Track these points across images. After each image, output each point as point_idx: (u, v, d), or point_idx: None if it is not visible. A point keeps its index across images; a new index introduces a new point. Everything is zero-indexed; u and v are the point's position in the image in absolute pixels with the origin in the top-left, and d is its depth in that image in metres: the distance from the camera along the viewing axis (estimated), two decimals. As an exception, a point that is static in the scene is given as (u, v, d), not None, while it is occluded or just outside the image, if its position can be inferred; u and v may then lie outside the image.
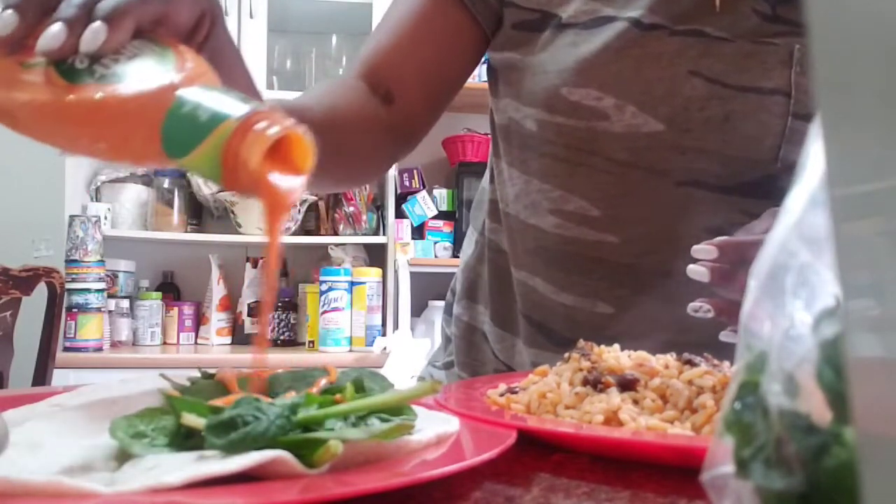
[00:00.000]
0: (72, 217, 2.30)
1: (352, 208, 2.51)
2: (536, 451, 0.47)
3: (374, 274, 2.44)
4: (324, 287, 2.38)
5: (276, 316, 2.48)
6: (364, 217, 2.52)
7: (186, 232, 2.53)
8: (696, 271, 0.59)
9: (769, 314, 0.24)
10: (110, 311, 2.38)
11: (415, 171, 2.59)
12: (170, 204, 2.51)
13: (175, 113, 0.45)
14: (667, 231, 0.75)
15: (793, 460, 0.22)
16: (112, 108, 0.45)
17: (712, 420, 0.47)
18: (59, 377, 1.83)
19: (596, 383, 0.52)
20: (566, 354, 0.59)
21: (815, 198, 0.23)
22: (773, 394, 0.23)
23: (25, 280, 1.68)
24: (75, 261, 2.27)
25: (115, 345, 2.39)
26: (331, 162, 0.79)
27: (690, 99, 0.73)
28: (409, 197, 2.55)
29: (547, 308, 0.81)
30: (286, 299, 2.51)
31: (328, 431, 0.38)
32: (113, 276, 2.46)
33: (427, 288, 2.48)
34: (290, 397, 0.42)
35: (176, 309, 2.52)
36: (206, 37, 0.53)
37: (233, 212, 2.47)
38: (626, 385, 0.52)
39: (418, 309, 2.47)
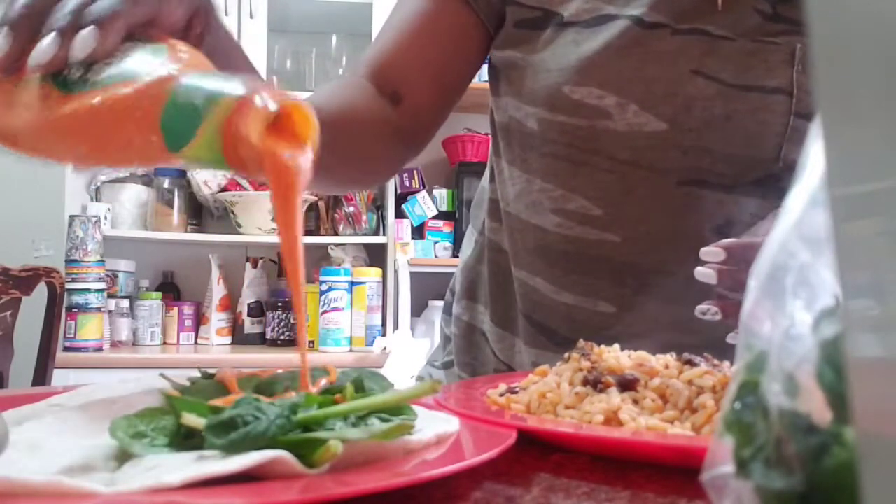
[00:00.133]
0: (72, 217, 2.30)
1: (352, 208, 2.51)
2: (536, 451, 0.47)
3: (374, 274, 2.44)
4: (324, 287, 2.38)
5: (275, 316, 2.48)
6: (364, 217, 2.52)
7: (186, 232, 2.53)
8: (704, 273, 0.59)
9: (769, 314, 0.24)
10: (110, 311, 2.38)
11: (415, 171, 2.59)
12: (170, 204, 2.51)
13: (172, 104, 0.44)
14: (669, 230, 0.75)
15: (793, 460, 0.22)
16: (110, 111, 0.45)
17: (712, 420, 0.47)
18: (59, 377, 1.83)
19: (596, 383, 0.52)
20: (566, 354, 0.59)
21: (815, 198, 0.23)
22: (773, 394, 0.23)
23: (25, 280, 1.68)
24: (75, 261, 2.27)
25: (115, 345, 2.39)
26: (341, 163, 0.79)
27: (692, 98, 0.73)
28: (409, 197, 2.55)
29: (548, 308, 0.81)
30: (286, 299, 2.51)
31: (328, 431, 0.38)
32: (113, 276, 2.46)
33: (427, 288, 2.48)
34: (290, 397, 0.42)
35: (176, 309, 2.52)
36: (201, 32, 0.53)
37: (233, 212, 2.47)
38: (626, 385, 0.52)
39: (418, 309, 2.47)
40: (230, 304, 2.55)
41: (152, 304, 2.47)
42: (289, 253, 0.47)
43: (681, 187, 0.75)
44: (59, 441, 0.40)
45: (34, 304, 1.71)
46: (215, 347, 2.47)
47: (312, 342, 2.43)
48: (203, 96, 0.44)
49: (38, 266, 1.71)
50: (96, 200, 2.51)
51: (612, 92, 0.74)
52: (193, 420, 0.39)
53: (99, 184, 2.52)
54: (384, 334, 2.41)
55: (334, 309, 2.37)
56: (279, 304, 2.48)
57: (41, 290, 1.71)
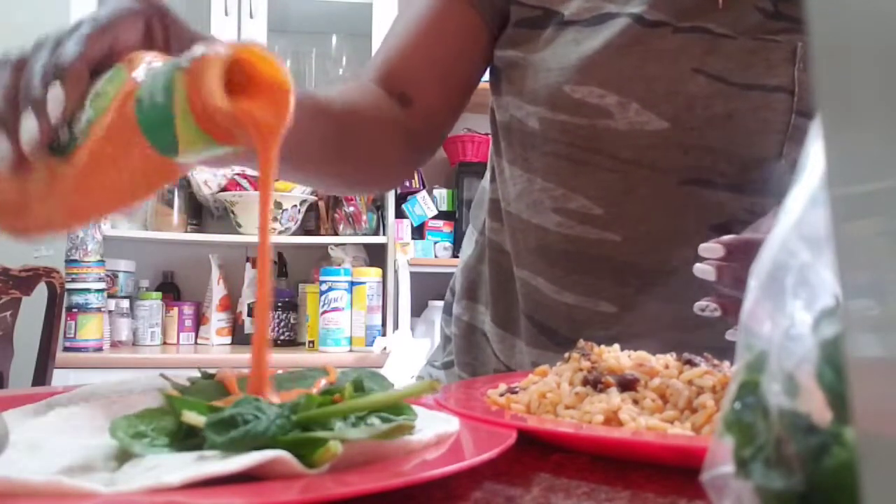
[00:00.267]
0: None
1: (352, 208, 2.51)
2: (536, 451, 0.47)
3: (374, 274, 2.44)
4: (324, 287, 2.38)
5: (276, 316, 2.48)
6: (364, 217, 2.52)
7: (186, 232, 2.53)
8: (703, 270, 0.59)
9: (769, 314, 0.24)
10: (110, 311, 2.38)
11: (415, 171, 2.59)
12: (170, 204, 2.51)
13: (141, 114, 0.44)
14: (670, 229, 0.75)
15: (793, 460, 0.22)
16: (102, 155, 0.45)
17: (712, 420, 0.47)
18: (59, 377, 1.83)
19: (596, 383, 0.52)
20: (566, 354, 0.59)
21: (815, 197, 0.23)
22: (773, 394, 0.23)
23: (25, 280, 1.68)
24: (75, 261, 2.27)
25: (115, 345, 2.39)
26: (352, 162, 0.78)
27: (694, 97, 0.73)
28: (408, 197, 2.55)
29: (549, 308, 0.81)
30: (286, 299, 2.51)
31: (328, 431, 0.38)
32: (113, 276, 2.46)
33: (427, 288, 2.48)
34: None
35: (176, 309, 2.52)
36: (166, 38, 0.53)
37: (233, 212, 2.47)
38: (626, 385, 0.52)
39: (418, 309, 2.46)
40: (230, 304, 2.55)
41: (152, 304, 2.47)
42: (262, 204, 0.46)
43: (682, 186, 0.74)
44: (59, 441, 0.40)
45: (34, 304, 1.71)
46: (215, 347, 2.47)
47: (312, 342, 2.43)
48: (160, 87, 0.43)
49: (38, 266, 1.71)
50: (96, 200, 2.51)
51: (613, 91, 0.74)
52: (194, 418, 0.39)
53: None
54: (384, 334, 2.41)
55: (334, 309, 2.37)
56: (279, 304, 2.48)
57: (41, 290, 1.71)
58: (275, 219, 2.42)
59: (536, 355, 0.81)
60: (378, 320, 2.42)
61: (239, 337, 2.53)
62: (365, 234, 2.53)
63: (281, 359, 2.27)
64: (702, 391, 0.50)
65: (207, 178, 2.51)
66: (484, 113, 0.89)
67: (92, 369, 2.16)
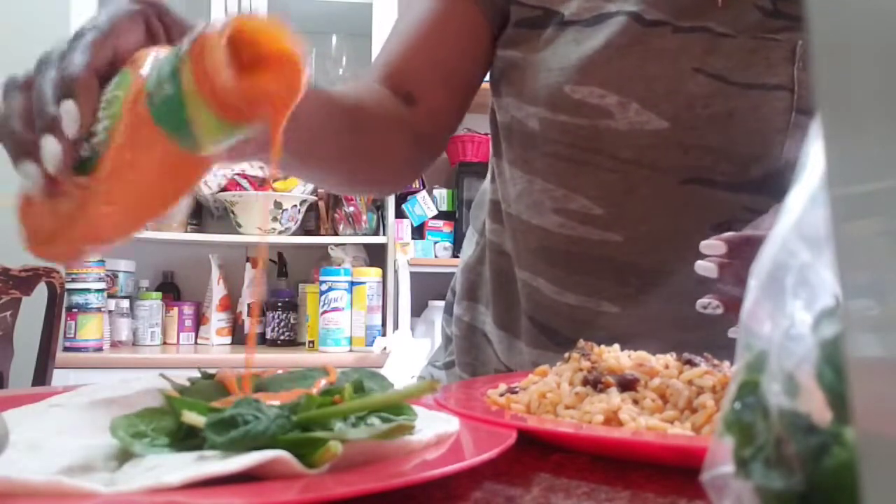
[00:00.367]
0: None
1: (352, 208, 2.51)
2: (536, 451, 0.47)
3: (374, 274, 2.44)
4: (324, 287, 2.38)
5: (276, 316, 2.48)
6: (364, 217, 2.52)
7: (186, 232, 2.53)
8: (705, 267, 0.58)
9: (769, 314, 0.24)
10: (110, 311, 2.38)
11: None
12: (170, 204, 2.51)
13: (155, 111, 0.43)
14: (671, 229, 0.75)
15: (793, 460, 0.22)
16: (122, 161, 0.44)
17: (712, 420, 0.47)
18: (59, 377, 1.83)
19: (596, 383, 0.52)
20: (566, 354, 0.59)
21: (815, 197, 0.23)
22: (773, 394, 0.23)
23: (25, 280, 1.68)
24: None
25: (115, 345, 2.39)
26: (362, 156, 0.78)
27: (694, 96, 0.73)
28: (408, 197, 2.55)
29: (550, 308, 0.81)
30: (286, 299, 2.51)
31: (328, 431, 0.38)
32: (113, 276, 2.46)
33: (427, 288, 2.48)
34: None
35: (176, 309, 2.52)
36: (168, 34, 0.52)
37: (233, 212, 2.47)
38: (626, 385, 0.52)
39: (418, 309, 2.46)
40: (230, 304, 2.55)
41: (152, 304, 2.47)
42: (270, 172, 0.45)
43: (683, 186, 0.74)
44: (59, 441, 0.40)
45: (34, 304, 1.71)
46: (215, 347, 2.47)
47: (312, 342, 2.43)
48: (166, 76, 0.42)
49: (38, 266, 1.71)
50: (96, 200, 2.51)
51: (614, 91, 0.74)
52: (194, 418, 0.39)
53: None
54: (384, 334, 2.41)
55: (334, 309, 2.37)
56: (279, 304, 2.48)
57: (41, 290, 1.71)
58: (274, 219, 2.42)
59: (537, 356, 0.81)
60: (378, 320, 2.42)
61: (239, 337, 2.53)
62: (365, 234, 2.53)
63: (281, 359, 2.27)
64: (702, 391, 0.50)
65: (207, 178, 2.51)
66: (484, 113, 0.89)
67: (92, 369, 2.16)
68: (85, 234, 0.46)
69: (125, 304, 2.44)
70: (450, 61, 0.83)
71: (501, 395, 0.56)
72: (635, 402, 0.50)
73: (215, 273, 2.53)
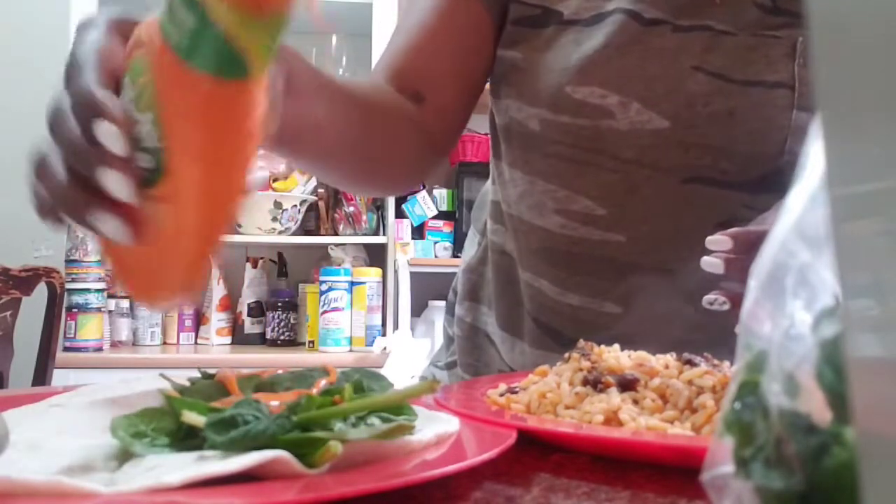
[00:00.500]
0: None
1: (352, 208, 2.51)
2: (536, 451, 0.47)
3: (374, 274, 2.44)
4: (324, 287, 2.38)
5: (276, 316, 2.48)
6: (364, 217, 2.52)
7: (186, 232, 2.53)
8: (711, 263, 0.58)
9: (769, 314, 0.24)
10: (110, 311, 2.38)
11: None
12: (170, 204, 2.51)
13: (184, 52, 0.38)
14: (674, 229, 0.75)
15: (793, 460, 0.22)
16: (184, 141, 0.40)
17: (712, 420, 0.47)
18: (59, 377, 1.83)
19: (596, 383, 0.52)
20: (566, 354, 0.59)
21: (815, 197, 0.23)
22: (773, 394, 0.23)
23: (25, 280, 1.68)
24: (75, 261, 2.27)
25: (115, 345, 2.39)
26: (373, 151, 0.77)
27: (694, 95, 0.73)
28: (408, 197, 2.55)
29: (553, 310, 0.80)
30: (286, 299, 2.51)
31: (328, 431, 0.38)
32: (113, 276, 2.46)
33: (427, 288, 2.48)
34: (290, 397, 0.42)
35: (176, 309, 2.52)
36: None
37: (233, 212, 2.47)
38: (626, 385, 0.52)
39: (418, 309, 2.46)
40: (230, 304, 2.55)
41: (152, 304, 2.47)
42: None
43: (685, 185, 0.74)
44: (59, 441, 0.40)
45: (34, 304, 1.71)
46: (215, 347, 2.47)
47: (312, 342, 2.43)
48: (180, 7, 0.38)
49: (38, 266, 1.71)
50: (96, 200, 2.51)
51: (614, 91, 0.74)
52: (194, 418, 0.39)
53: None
54: (384, 334, 2.41)
55: (334, 309, 2.37)
56: (279, 304, 2.48)
57: (41, 290, 1.71)
58: (274, 219, 2.42)
59: (541, 357, 0.81)
60: (378, 320, 2.42)
61: (239, 337, 2.53)
62: (365, 234, 2.53)
63: (281, 359, 2.27)
64: (702, 391, 0.50)
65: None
66: (484, 113, 0.89)
67: (92, 369, 2.16)
68: (186, 251, 0.42)
69: (125, 303, 2.44)
70: (456, 58, 0.82)
71: (501, 395, 0.56)
72: (635, 402, 0.50)
73: (215, 273, 2.53)
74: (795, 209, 0.24)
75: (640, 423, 0.48)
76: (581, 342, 0.60)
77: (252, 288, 2.54)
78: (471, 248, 0.93)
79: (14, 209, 2.49)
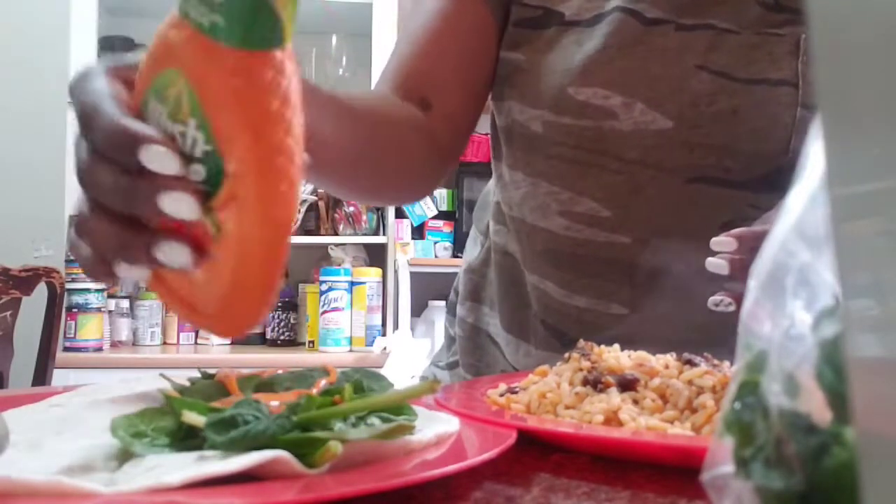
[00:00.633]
0: (72, 217, 2.29)
1: (352, 208, 2.51)
2: (536, 451, 0.47)
3: (374, 274, 2.44)
4: (324, 287, 2.38)
5: (276, 316, 2.48)
6: (364, 217, 2.52)
7: (186, 232, 2.53)
8: (716, 264, 0.58)
9: (769, 314, 0.24)
10: (110, 311, 2.38)
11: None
12: (170, 204, 2.51)
13: (219, 31, 0.37)
14: (679, 229, 0.75)
15: (793, 460, 0.22)
16: (233, 134, 0.38)
17: (712, 420, 0.47)
18: (59, 377, 1.83)
19: (596, 383, 0.52)
20: (566, 354, 0.59)
21: (815, 197, 0.23)
22: (773, 394, 0.23)
23: (25, 280, 1.68)
24: (75, 261, 2.27)
25: (115, 345, 2.39)
26: (381, 164, 0.76)
27: (698, 94, 0.73)
28: (409, 197, 2.55)
29: (559, 312, 0.80)
30: (286, 299, 2.51)
31: (328, 431, 0.38)
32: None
33: (427, 288, 2.48)
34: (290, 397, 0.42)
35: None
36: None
37: (233, 212, 2.47)
38: (626, 385, 0.52)
39: (418, 309, 2.46)
40: (230, 304, 2.55)
41: (152, 303, 2.47)
42: None
43: (689, 185, 0.74)
44: (59, 441, 0.40)
45: (34, 304, 1.71)
46: (215, 347, 2.47)
47: (312, 342, 2.43)
48: None
49: (38, 266, 1.71)
50: (96, 200, 2.51)
51: (618, 91, 0.73)
52: (194, 418, 0.39)
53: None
54: (384, 334, 2.41)
55: (334, 309, 2.37)
56: (279, 304, 2.48)
57: (41, 290, 1.71)
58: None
59: (547, 358, 0.81)
60: (378, 320, 2.42)
61: (238, 337, 2.53)
62: (365, 234, 2.53)
63: (281, 359, 2.27)
64: (702, 391, 0.50)
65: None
66: (485, 113, 0.88)
67: (92, 369, 2.16)
68: (256, 258, 0.40)
69: (125, 304, 2.44)
70: (462, 61, 0.81)
71: (501, 395, 0.56)
72: (635, 402, 0.50)
73: (215, 273, 2.53)
74: (795, 209, 0.24)
75: (640, 423, 0.48)
76: (581, 342, 0.60)
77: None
78: (473, 248, 0.93)
79: (14, 209, 2.49)
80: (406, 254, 2.44)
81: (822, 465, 0.21)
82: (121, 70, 0.43)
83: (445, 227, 2.57)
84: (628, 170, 0.75)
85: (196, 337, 2.54)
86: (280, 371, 0.50)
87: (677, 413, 0.49)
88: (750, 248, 0.57)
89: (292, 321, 2.51)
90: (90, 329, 2.27)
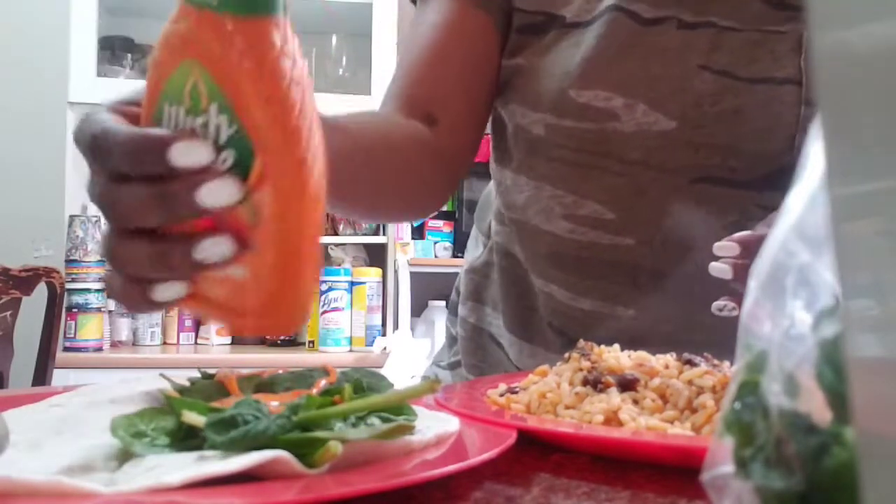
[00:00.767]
0: (72, 217, 2.30)
1: (352, 208, 2.51)
2: (536, 451, 0.47)
3: (374, 274, 2.44)
4: (324, 287, 2.38)
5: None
6: (364, 217, 2.52)
7: (186, 232, 2.53)
8: (719, 269, 0.58)
9: (769, 314, 0.24)
10: (110, 311, 2.38)
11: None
12: (170, 204, 2.51)
13: (236, 5, 0.37)
14: (683, 230, 0.74)
15: (793, 460, 0.22)
16: (258, 114, 0.38)
17: (712, 420, 0.47)
18: (59, 377, 1.83)
19: (596, 383, 0.52)
20: (566, 354, 0.59)
21: (815, 197, 0.23)
22: (773, 394, 0.23)
23: (25, 280, 1.68)
24: (75, 261, 2.27)
25: (115, 345, 2.39)
26: (391, 188, 0.76)
27: (701, 94, 0.72)
28: (409, 197, 2.54)
29: (566, 314, 0.80)
30: (286, 299, 2.51)
31: (328, 431, 0.38)
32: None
33: (427, 288, 2.48)
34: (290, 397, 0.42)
35: (176, 309, 2.52)
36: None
37: (233, 212, 2.47)
38: (626, 385, 0.52)
39: (418, 309, 2.46)
40: (230, 304, 2.55)
41: (152, 304, 2.47)
42: None
43: (693, 185, 0.74)
44: (59, 441, 0.40)
45: (34, 304, 1.71)
46: (215, 347, 2.47)
47: (312, 342, 2.43)
48: None
49: (38, 266, 1.71)
50: (96, 200, 2.50)
51: (619, 93, 0.73)
52: (194, 418, 0.39)
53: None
54: (384, 334, 2.41)
55: (334, 309, 2.37)
56: (279, 304, 2.48)
57: (41, 290, 1.71)
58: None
59: (555, 360, 0.80)
60: (378, 320, 2.42)
61: (239, 337, 2.53)
62: (365, 234, 2.53)
63: (281, 359, 2.27)
64: (702, 391, 0.50)
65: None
66: (486, 114, 0.88)
67: (92, 369, 2.16)
68: (293, 247, 0.39)
69: (125, 304, 2.44)
70: (466, 72, 0.81)
71: (501, 395, 0.56)
72: (635, 402, 0.50)
73: (215, 273, 2.53)
74: (795, 209, 0.24)
75: (640, 423, 0.48)
76: (581, 342, 0.60)
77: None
78: (475, 249, 0.93)
79: (14, 209, 2.49)
80: (406, 254, 2.44)
81: (822, 465, 0.21)
82: (119, 106, 0.43)
83: (445, 227, 2.57)
84: (631, 172, 0.74)
85: (196, 337, 2.54)
86: (280, 371, 0.50)
87: (677, 413, 0.49)
88: (753, 253, 0.57)
89: (292, 321, 2.50)
90: (90, 329, 2.27)
